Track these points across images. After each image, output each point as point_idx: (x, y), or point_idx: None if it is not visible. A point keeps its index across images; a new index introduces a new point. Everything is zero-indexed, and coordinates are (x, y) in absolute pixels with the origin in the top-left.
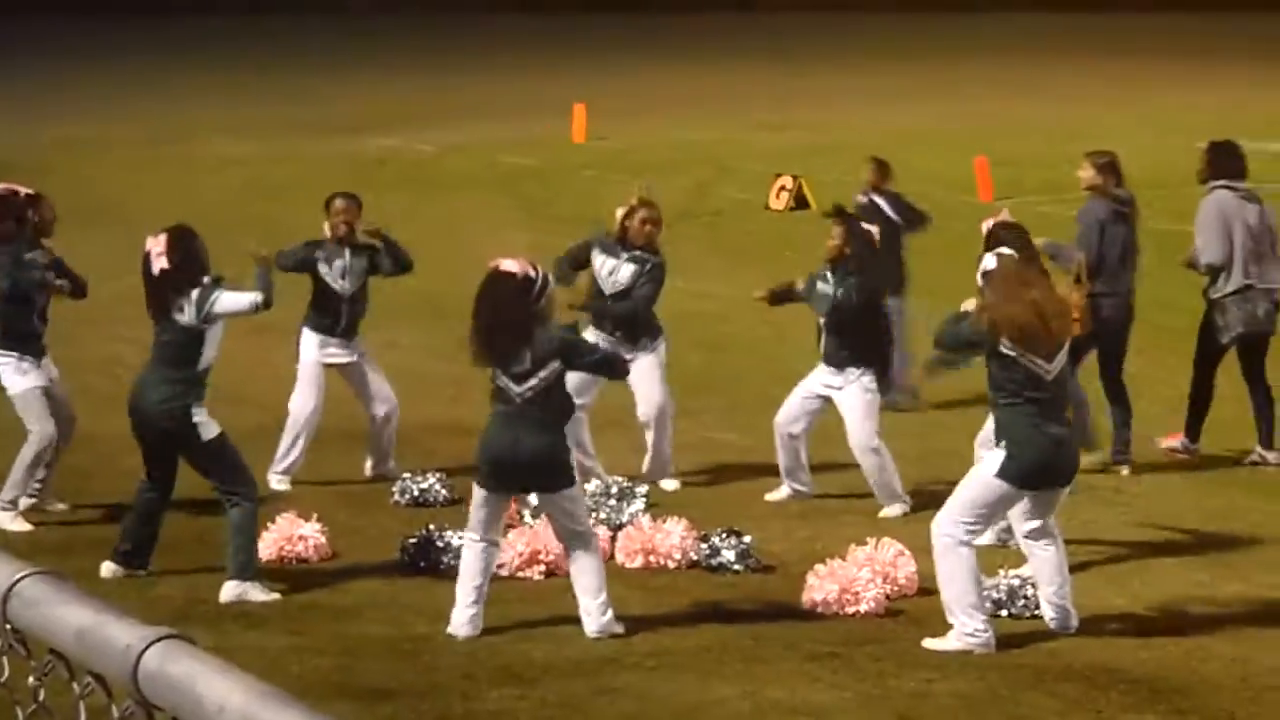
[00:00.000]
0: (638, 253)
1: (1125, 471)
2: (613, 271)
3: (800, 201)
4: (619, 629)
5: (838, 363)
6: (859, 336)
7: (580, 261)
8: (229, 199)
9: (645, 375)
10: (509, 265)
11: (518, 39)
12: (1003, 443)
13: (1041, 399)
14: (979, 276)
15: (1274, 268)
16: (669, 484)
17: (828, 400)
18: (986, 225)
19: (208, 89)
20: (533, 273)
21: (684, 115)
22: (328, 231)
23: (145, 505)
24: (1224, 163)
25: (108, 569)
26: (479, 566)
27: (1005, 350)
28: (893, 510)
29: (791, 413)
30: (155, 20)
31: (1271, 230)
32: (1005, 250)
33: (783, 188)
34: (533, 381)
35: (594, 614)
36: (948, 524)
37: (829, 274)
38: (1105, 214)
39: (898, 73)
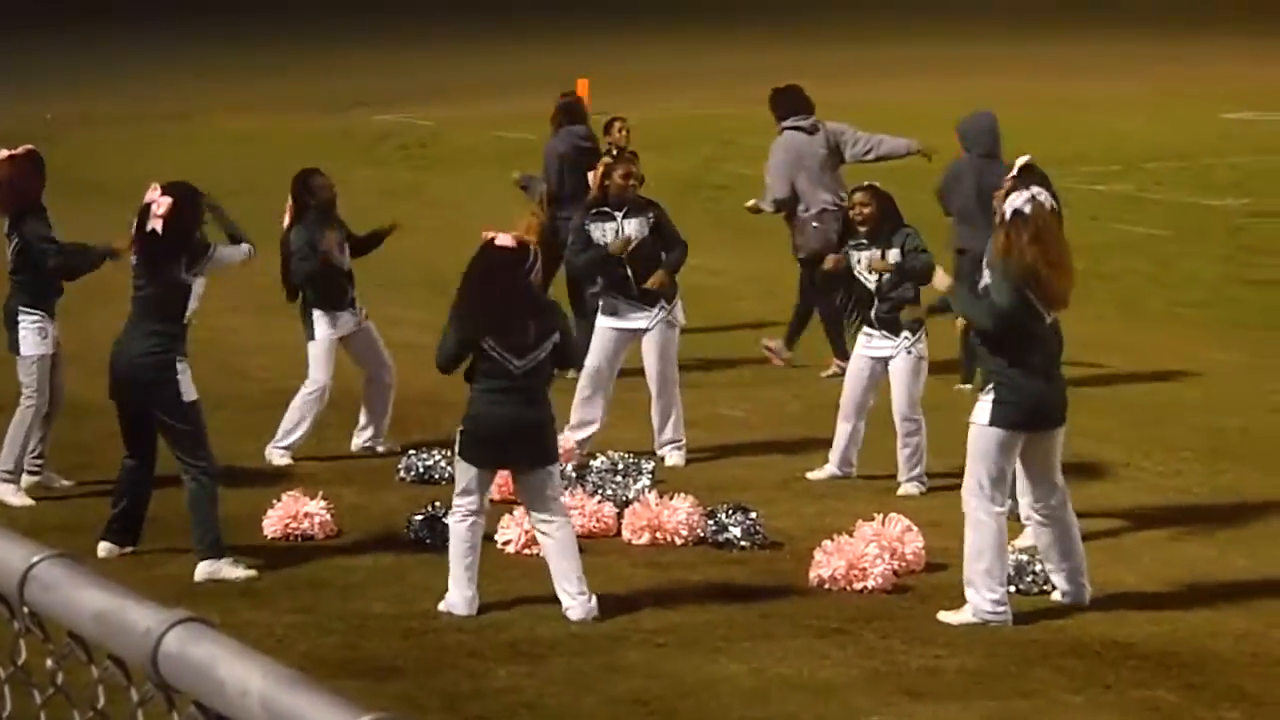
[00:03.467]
0: (628, 208)
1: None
2: (619, 233)
3: None
4: (596, 608)
5: (890, 327)
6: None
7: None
8: (232, 174)
9: (660, 343)
10: (503, 239)
11: (521, 12)
12: (989, 388)
13: (1036, 345)
14: (1006, 212)
15: (838, 187)
16: (675, 458)
17: (884, 364)
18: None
19: (210, 66)
20: (526, 246)
21: (688, 90)
22: (289, 212)
23: (130, 480)
24: (789, 105)
25: (104, 549)
26: (473, 542)
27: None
28: (910, 488)
29: (857, 386)
30: None
31: (832, 156)
32: (1040, 194)
33: None
34: (535, 354)
35: (579, 600)
36: (969, 493)
37: (864, 241)
38: (565, 149)
39: (902, 48)
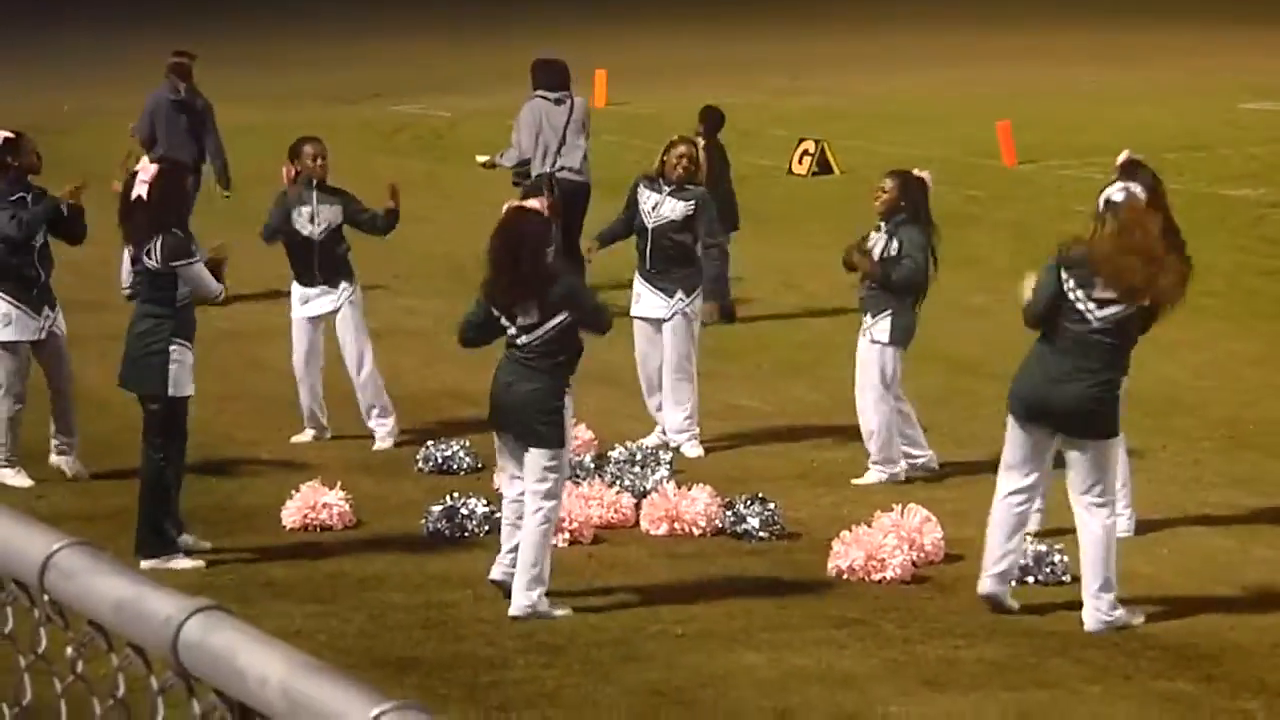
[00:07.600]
0: (679, 188)
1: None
2: (656, 205)
3: (823, 166)
4: (552, 612)
5: (867, 307)
6: (885, 286)
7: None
8: (248, 164)
9: (682, 332)
10: (534, 203)
11: (538, 3)
12: None
13: (1065, 338)
14: (1101, 203)
15: (573, 155)
16: (691, 450)
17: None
18: (1120, 159)
19: (227, 57)
20: (548, 219)
21: (704, 81)
22: (287, 177)
23: (154, 477)
24: (540, 77)
25: (146, 566)
26: (516, 512)
27: (1062, 278)
28: (870, 476)
29: (858, 368)
30: None
31: (573, 128)
32: (1135, 187)
33: (805, 152)
34: (539, 332)
35: (520, 589)
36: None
37: (881, 225)
38: (154, 105)
39: (918, 38)
